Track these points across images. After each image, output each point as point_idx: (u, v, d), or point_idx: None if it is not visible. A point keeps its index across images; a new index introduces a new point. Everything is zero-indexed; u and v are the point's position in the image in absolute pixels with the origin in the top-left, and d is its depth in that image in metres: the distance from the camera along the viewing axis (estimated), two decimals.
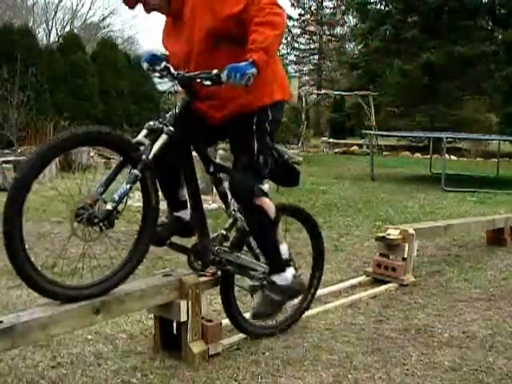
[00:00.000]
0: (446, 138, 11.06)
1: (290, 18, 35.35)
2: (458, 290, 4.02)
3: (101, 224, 2.38)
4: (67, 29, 34.22)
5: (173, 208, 2.95)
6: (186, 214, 2.91)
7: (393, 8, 20.87)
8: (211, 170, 2.82)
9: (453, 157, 16.34)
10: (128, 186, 2.39)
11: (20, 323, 2.19)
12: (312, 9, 35.93)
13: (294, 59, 36.69)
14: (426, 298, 3.82)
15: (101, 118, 17.50)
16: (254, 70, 2.34)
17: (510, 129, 16.85)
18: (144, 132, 2.53)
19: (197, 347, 2.73)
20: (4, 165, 9.12)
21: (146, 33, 77.53)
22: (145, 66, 2.75)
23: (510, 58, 18.07)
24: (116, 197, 2.39)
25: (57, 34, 35.30)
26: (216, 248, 2.83)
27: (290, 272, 2.91)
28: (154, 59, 2.73)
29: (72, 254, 4.80)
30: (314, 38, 36.46)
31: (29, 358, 2.75)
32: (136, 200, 7.50)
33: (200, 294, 2.76)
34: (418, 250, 4.33)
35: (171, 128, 2.51)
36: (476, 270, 4.58)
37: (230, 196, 2.82)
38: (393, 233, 4.15)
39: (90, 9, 46.56)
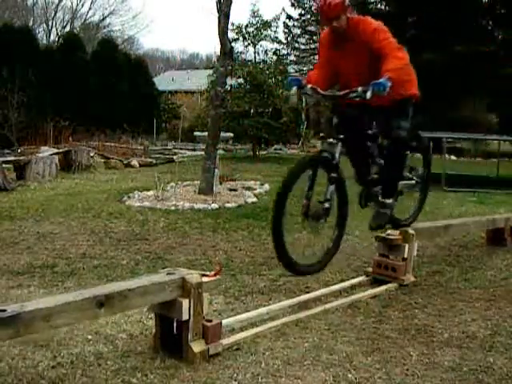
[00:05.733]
0: (446, 138, 11.05)
1: (290, 17, 35.38)
2: (458, 290, 4.02)
3: (324, 218, 3.67)
4: (67, 29, 34.25)
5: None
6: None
7: (393, 8, 20.87)
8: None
9: (453, 157, 16.34)
10: (333, 186, 3.71)
11: (24, 312, 2.20)
12: (312, 9, 35.91)
13: (294, 59, 36.67)
14: (426, 298, 3.82)
15: (101, 118, 17.50)
16: (390, 84, 3.47)
17: (509, 129, 16.84)
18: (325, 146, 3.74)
19: (197, 347, 2.73)
20: (4, 165, 9.12)
21: (146, 32, 77.50)
22: (294, 89, 3.79)
23: (510, 58, 18.06)
24: (328, 196, 3.69)
25: (57, 33, 35.32)
26: None
27: None
28: (300, 84, 3.79)
29: (72, 254, 4.81)
30: (314, 37, 36.45)
31: (29, 357, 2.75)
32: (136, 200, 7.51)
33: (202, 294, 2.77)
34: (418, 250, 4.33)
35: (341, 136, 3.72)
36: (476, 270, 4.58)
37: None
38: (393, 233, 4.16)
39: (90, 9, 46.36)
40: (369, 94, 3.49)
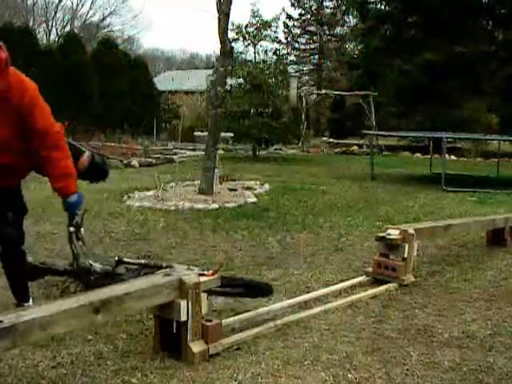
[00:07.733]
0: (446, 138, 11.05)
1: (290, 17, 35.37)
2: (458, 290, 4.02)
3: None
4: (67, 29, 34.24)
5: None
6: None
7: (393, 8, 20.88)
8: None
9: (453, 157, 16.33)
10: None
11: (20, 323, 2.19)
12: (312, 9, 35.91)
13: (294, 59, 36.68)
14: (426, 298, 3.82)
15: (101, 118, 17.50)
16: (79, 194, 3.15)
17: (509, 129, 16.85)
18: None
19: (197, 347, 2.73)
20: None
21: (147, 32, 77.64)
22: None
23: (510, 58, 18.07)
24: None
25: (57, 33, 35.34)
26: None
27: None
28: None
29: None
30: (314, 37, 36.45)
31: (29, 358, 2.75)
32: (136, 200, 7.51)
33: (200, 294, 2.77)
34: (418, 250, 4.33)
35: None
36: (476, 270, 4.58)
37: None
38: (393, 233, 4.15)
39: (90, 9, 46.37)
40: (74, 222, 3.17)
